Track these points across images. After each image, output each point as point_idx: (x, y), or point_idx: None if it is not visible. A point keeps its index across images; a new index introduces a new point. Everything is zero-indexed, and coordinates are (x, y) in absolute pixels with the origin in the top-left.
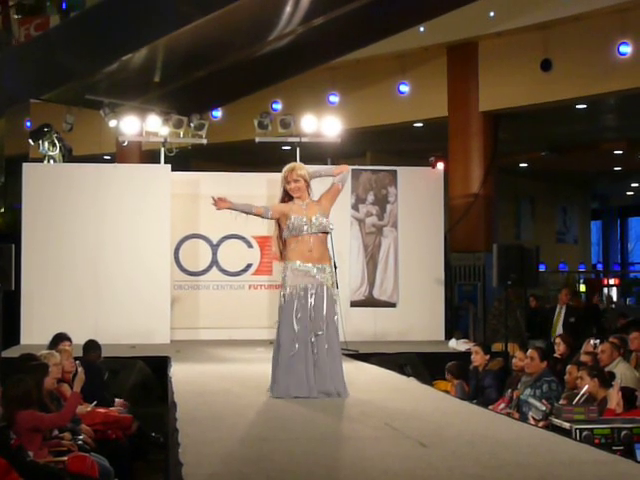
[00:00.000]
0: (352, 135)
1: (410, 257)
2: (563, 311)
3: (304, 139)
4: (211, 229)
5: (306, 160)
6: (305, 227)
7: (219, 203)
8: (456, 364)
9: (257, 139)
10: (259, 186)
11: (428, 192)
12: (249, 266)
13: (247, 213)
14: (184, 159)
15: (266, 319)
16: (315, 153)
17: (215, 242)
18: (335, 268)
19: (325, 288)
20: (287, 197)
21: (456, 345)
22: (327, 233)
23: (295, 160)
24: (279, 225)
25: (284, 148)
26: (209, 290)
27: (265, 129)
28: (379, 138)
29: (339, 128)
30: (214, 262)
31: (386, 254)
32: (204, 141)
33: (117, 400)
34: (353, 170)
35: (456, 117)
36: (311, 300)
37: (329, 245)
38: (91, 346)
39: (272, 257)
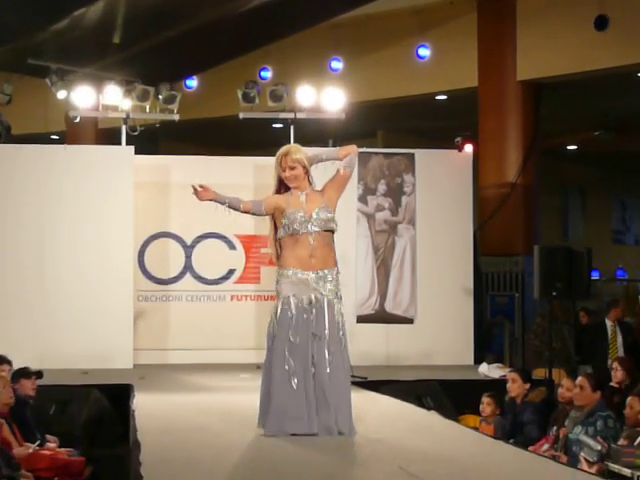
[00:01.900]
0: (359, 110)
1: (431, 261)
2: (618, 330)
3: (300, 115)
4: (184, 226)
5: (303, 141)
6: (304, 224)
7: (201, 193)
8: (496, 394)
9: (241, 115)
10: (244, 174)
11: (453, 181)
12: (231, 272)
13: (234, 209)
14: (151, 139)
15: (253, 338)
16: (314, 133)
17: (189, 242)
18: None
19: (328, 300)
20: (283, 187)
21: (488, 371)
22: (332, 231)
23: (289, 141)
24: (274, 222)
25: (275, 126)
26: (181, 302)
27: (251, 102)
28: (393, 114)
29: (343, 102)
30: (188, 267)
31: (401, 257)
32: (175, 117)
33: (49, 437)
34: (361, 154)
35: (488, 88)
36: (311, 315)
37: (334, 246)
38: (20, 374)
39: (259, 261)
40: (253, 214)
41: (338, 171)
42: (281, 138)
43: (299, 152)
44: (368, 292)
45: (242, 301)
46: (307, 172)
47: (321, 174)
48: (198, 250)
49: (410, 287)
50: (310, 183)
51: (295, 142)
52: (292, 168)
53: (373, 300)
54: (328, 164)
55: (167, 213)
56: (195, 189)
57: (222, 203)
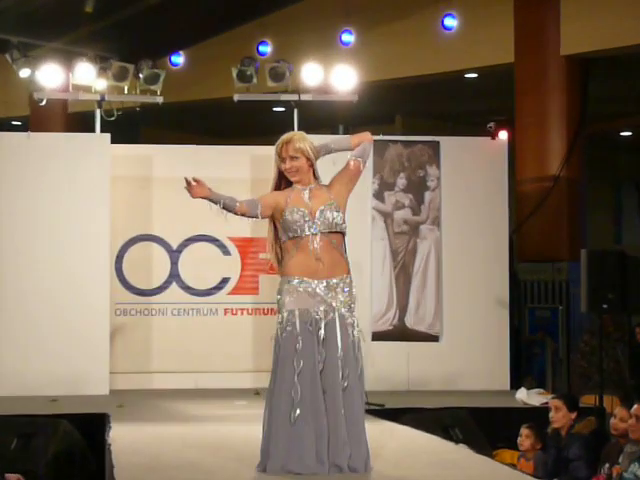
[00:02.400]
0: (375, 91)
1: (459, 268)
2: None
3: (305, 97)
4: (170, 228)
5: (308, 127)
6: (307, 225)
7: (195, 189)
8: (537, 425)
9: (236, 97)
10: (240, 166)
11: (486, 174)
12: (225, 281)
13: (228, 210)
14: (130, 126)
15: (250, 359)
16: (321, 117)
17: (175, 247)
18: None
19: (340, 314)
20: (284, 182)
21: (527, 397)
22: (341, 233)
23: (292, 127)
24: (274, 223)
25: (276, 110)
26: (166, 317)
27: (248, 82)
28: (414, 95)
29: (355, 81)
30: (174, 276)
31: (424, 264)
32: (159, 99)
33: (9, 475)
34: (377, 142)
35: (527, 64)
36: (321, 331)
37: (344, 250)
38: None
39: (257, 268)
40: (250, 217)
41: (348, 162)
42: (283, 124)
43: (303, 140)
44: (385, 305)
45: (238, 315)
46: (312, 164)
47: (328, 166)
48: (186, 255)
49: (435, 299)
50: (316, 177)
51: (300, 128)
52: (293, 158)
53: (391, 314)
54: (338, 154)
55: (149, 212)
56: (189, 183)
57: (216, 202)
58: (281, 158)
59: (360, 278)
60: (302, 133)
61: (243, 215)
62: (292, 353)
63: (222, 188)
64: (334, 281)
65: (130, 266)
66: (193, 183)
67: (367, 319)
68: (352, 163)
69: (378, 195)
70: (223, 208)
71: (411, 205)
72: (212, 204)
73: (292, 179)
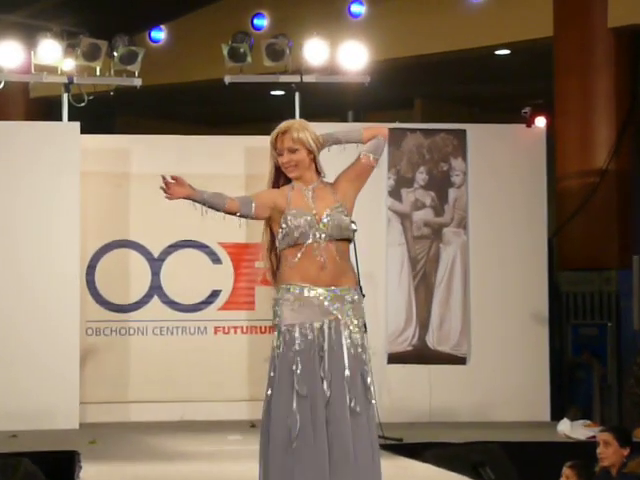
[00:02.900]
0: (390, 71)
1: (490, 278)
2: None
3: (308, 78)
4: (150, 232)
5: (312, 114)
6: (311, 231)
7: (173, 188)
8: (582, 463)
9: (227, 79)
10: (232, 159)
11: (520, 167)
12: (215, 295)
13: (215, 209)
14: (104, 113)
15: (245, 385)
16: (327, 103)
17: (156, 254)
18: (362, 297)
19: (347, 330)
20: (282, 178)
21: (570, 430)
22: (349, 240)
23: (293, 115)
24: (270, 227)
25: (274, 94)
26: (146, 336)
27: (241, 62)
28: (435, 76)
29: (367, 60)
30: (155, 288)
31: (448, 273)
32: (137, 82)
33: None
34: (392, 131)
35: (568, 39)
36: (324, 349)
37: (352, 258)
38: None
39: (253, 279)
40: (241, 216)
41: (359, 157)
42: (282, 110)
43: (303, 130)
44: (403, 321)
45: (230, 334)
46: (314, 158)
47: (333, 159)
48: (169, 265)
49: (461, 314)
50: (319, 173)
51: (302, 115)
52: (292, 151)
53: (410, 332)
54: (344, 148)
55: (126, 214)
56: (166, 182)
57: (200, 201)
58: (277, 150)
59: (374, 290)
60: (302, 121)
61: (233, 214)
62: (291, 376)
63: (211, 185)
64: (340, 290)
65: (104, 277)
66: (171, 182)
67: (382, 338)
68: (363, 158)
69: (394, 193)
70: (209, 207)
71: (433, 204)
72: (197, 203)
73: (290, 175)
